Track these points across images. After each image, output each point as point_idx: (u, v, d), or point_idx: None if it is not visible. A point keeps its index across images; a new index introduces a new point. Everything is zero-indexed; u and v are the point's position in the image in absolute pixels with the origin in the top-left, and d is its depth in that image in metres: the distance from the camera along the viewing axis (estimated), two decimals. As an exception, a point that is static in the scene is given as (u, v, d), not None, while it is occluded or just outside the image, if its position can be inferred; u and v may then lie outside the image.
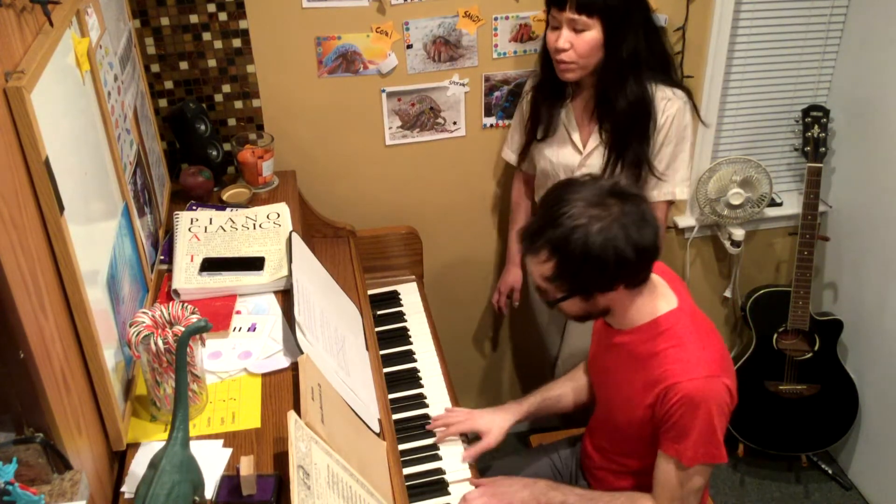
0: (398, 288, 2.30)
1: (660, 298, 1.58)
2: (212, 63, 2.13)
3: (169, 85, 2.14)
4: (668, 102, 1.97)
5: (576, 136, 2.06)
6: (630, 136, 1.97)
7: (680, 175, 2.04)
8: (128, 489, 1.31)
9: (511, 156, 2.28)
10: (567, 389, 1.91)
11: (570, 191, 1.49)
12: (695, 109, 2.05)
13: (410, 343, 2.10)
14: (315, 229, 2.25)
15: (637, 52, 1.91)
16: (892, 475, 2.57)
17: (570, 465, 1.99)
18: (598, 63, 1.93)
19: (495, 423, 1.82)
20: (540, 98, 2.09)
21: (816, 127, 2.44)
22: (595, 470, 1.86)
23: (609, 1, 1.85)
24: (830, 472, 2.76)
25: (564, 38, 1.89)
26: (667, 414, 1.52)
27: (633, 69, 1.92)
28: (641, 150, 1.98)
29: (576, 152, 2.07)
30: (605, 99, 1.97)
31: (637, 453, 1.70)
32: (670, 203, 2.09)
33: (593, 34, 1.88)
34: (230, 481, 1.32)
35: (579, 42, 1.89)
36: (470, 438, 1.85)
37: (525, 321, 2.70)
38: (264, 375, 1.56)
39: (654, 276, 1.59)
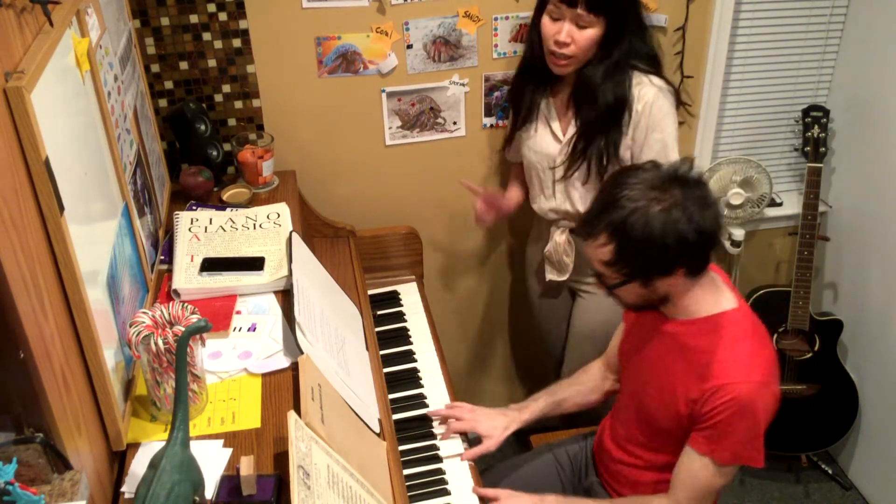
0: (398, 288, 2.30)
1: (721, 295, 1.57)
2: (212, 63, 2.13)
3: (169, 85, 2.14)
4: (642, 88, 1.94)
5: (555, 125, 2.06)
6: (602, 130, 1.96)
7: (673, 160, 1.98)
8: (128, 489, 1.31)
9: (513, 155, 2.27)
10: (571, 393, 1.90)
11: (630, 175, 1.48)
12: (677, 97, 2.01)
13: (410, 343, 2.10)
14: (315, 229, 2.25)
15: (629, 51, 1.92)
16: (892, 475, 2.57)
17: (578, 461, 1.97)
18: (592, 58, 1.93)
19: (497, 429, 1.82)
20: (523, 83, 2.08)
21: (816, 127, 2.44)
22: (610, 463, 1.82)
23: (616, 1, 1.85)
24: (830, 472, 2.76)
25: (567, 33, 1.88)
26: (711, 412, 1.50)
27: (622, 66, 1.92)
28: (611, 141, 1.96)
29: (556, 141, 2.06)
30: (585, 93, 1.96)
31: (662, 448, 1.67)
32: None
33: (595, 31, 1.87)
34: (230, 481, 1.32)
35: (581, 38, 1.88)
36: (470, 439, 1.85)
37: (526, 321, 2.70)
38: (264, 375, 1.56)
39: (714, 274, 1.58)
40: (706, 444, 1.52)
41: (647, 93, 1.94)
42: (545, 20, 1.93)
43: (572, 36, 1.88)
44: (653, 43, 2.04)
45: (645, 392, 1.68)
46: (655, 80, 1.96)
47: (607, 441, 1.84)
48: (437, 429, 1.85)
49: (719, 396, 1.48)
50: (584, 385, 1.91)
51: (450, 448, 1.80)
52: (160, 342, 1.33)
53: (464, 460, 1.77)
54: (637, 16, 1.95)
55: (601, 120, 1.95)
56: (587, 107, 1.97)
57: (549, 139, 2.08)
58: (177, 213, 1.94)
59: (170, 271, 1.78)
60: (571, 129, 2.03)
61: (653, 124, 1.96)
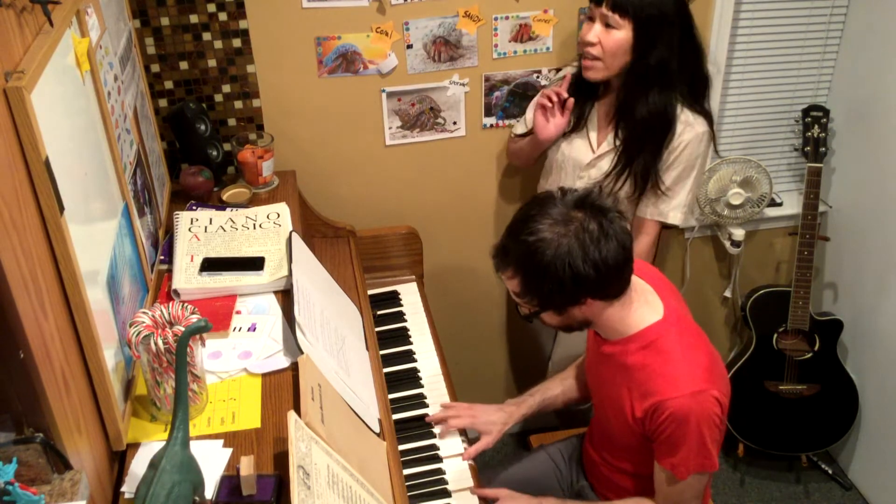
0: (398, 288, 2.30)
1: (645, 307, 1.56)
2: (212, 63, 2.13)
3: (169, 85, 2.14)
4: (686, 128, 1.95)
5: (593, 136, 2.07)
6: (643, 146, 1.96)
7: (677, 200, 2.02)
8: (128, 489, 1.31)
9: (522, 129, 2.24)
10: (564, 388, 1.93)
11: (538, 208, 1.47)
12: (713, 140, 2.03)
13: (410, 343, 2.10)
14: (315, 229, 2.25)
15: (666, 64, 1.89)
16: (892, 475, 2.57)
17: (572, 462, 1.99)
18: (625, 67, 1.92)
19: (495, 425, 1.83)
20: (574, 93, 2.07)
21: (816, 127, 2.44)
22: (594, 467, 1.87)
23: (644, 6, 1.84)
24: (830, 472, 2.76)
25: (594, 33, 1.90)
26: (657, 430, 1.52)
27: (659, 80, 1.91)
28: (651, 161, 1.97)
29: (589, 150, 2.07)
30: (626, 104, 1.96)
31: (631, 459, 1.71)
32: (662, 224, 2.06)
33: (623, 34, 1.87)
34: (230, 481, 1.32)
35: (608, 39, 1.88)
36: (470, 438, 1.85)
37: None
38: (264, 375, 1.56)
39: (641, 283, 1.58)
40: (666, 459, 1.55)
41: (689, 133, 1.95)
42: (584, 23, 1.95)
43: (599, 37, 1.89)
44: (703, 66, 1.99)
45: (603, 411, 1.72)
46: (700, 120, 1.96)
47: (589, 446, 1.89)
48: (437, 428, 1.85)
49: (658, 414, 1.50)
50: (570, 381, 1.93)
51: (450, 448, 1.80)
52: (160, 342, 1.33)
53: (465, 460, 1.77)
54: (679, 30, 1.90)
55: (638, 135, 1.96)
56: (626, 120, 1.98)
57: (584, 147, 2.08)
58: (177, 213, 1.94)
59: (170, 271, 1.78)
60: (606, 145, 2.03)
61: (679, 162, 1.98)
